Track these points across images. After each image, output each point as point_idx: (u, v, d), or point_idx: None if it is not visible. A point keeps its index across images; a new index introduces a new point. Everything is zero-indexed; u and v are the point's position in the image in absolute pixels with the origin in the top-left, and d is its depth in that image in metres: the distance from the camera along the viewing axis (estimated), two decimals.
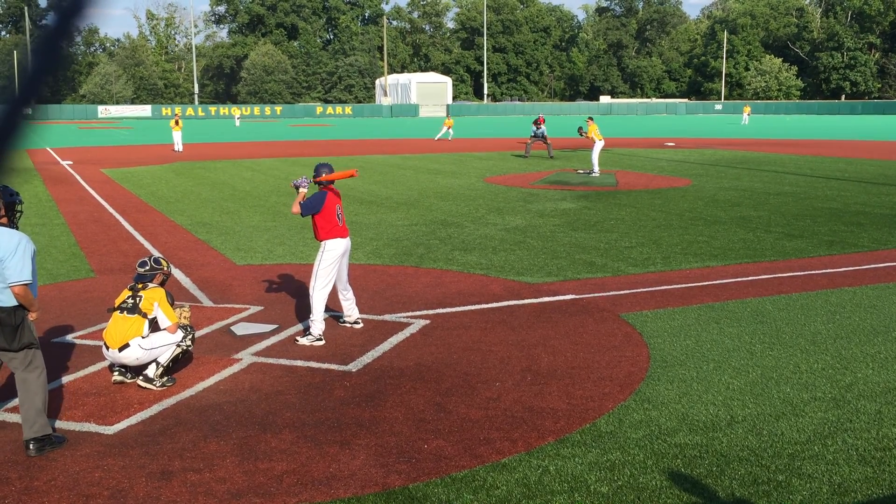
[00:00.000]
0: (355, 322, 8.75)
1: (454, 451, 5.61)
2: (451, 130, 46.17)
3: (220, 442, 5.79)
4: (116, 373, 7.02)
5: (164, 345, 6.92)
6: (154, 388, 6.83)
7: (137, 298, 6.95)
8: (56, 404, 6.45)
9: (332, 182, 8.53)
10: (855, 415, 6.20)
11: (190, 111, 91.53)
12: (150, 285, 7.09)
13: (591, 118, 27.41)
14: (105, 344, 6.95)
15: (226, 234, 14.93)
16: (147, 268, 7.18)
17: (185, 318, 7.39)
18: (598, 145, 25.70)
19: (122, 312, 6.92)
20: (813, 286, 10.45)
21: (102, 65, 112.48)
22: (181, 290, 10.51)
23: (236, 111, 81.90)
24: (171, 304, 7.09)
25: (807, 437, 5.80)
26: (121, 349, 6.81)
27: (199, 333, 8.40)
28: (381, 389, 6.83)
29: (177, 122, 37.46)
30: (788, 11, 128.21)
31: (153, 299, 6.94)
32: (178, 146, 36.84)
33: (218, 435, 5.91)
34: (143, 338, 6.85)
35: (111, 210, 18.36)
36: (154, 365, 6.87)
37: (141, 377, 6.88)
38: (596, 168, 25.50)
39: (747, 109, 72.64)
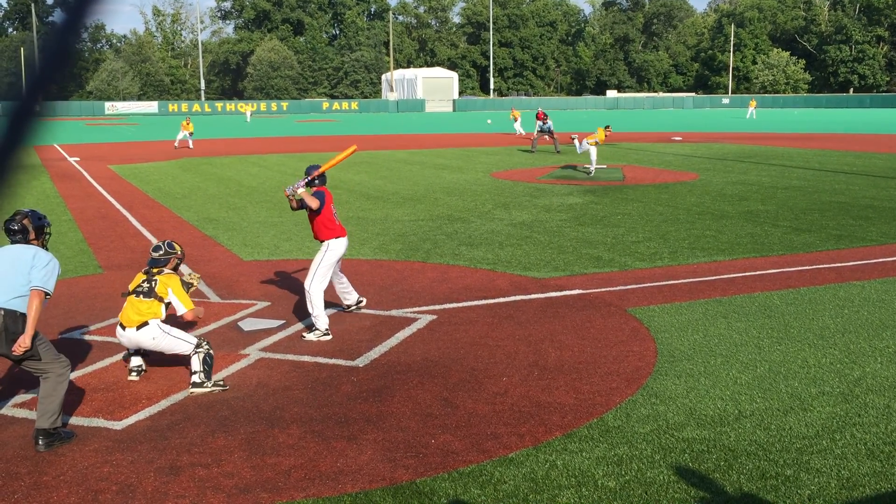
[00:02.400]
0: (358, 302, 8.83)
1: (461, 445, 5.61)
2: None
3: (227, 437, 5.81)
4: (134, 374, 7.06)
5: (180, 337, 6.90)
6: (208, 388, 6.73)
7: (153, 282, 6.95)
8: (65, 400, 6.48)
9: (325, 181, 8.55)
10: (863, 409, 6.19)
11: (196, 107, 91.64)
12: (165, 270, 7.09)
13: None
14: (121, 325, 6.92)
15: (232, 230, 14.96)
16: (161, 252, 7.20)
17: (195, 278, 7.52)
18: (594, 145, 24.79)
19: (138, 296, 6.91)
20: (821, 280, 10.41)
21: (109, 61, 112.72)
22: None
23: (246, 107, 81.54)
24: (187, 292, 7.08)
25: (815, 431, 5.79)
26: (139, 328, 6.80)
27: (206, 329, 8.43)
28: (388, 385, 6.84)
29: (188, 123, 37.36)
30: (796, 4, 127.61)
31: (168, 284, 6.95)
32: (189, 143, 36.83)
33: (226, 430, 5.93)
34: (161, 320, 6.87)
35: (118, 206, 18.41)
36: (197, 375, 6.75)
37: (191, 385, 6.76)
38: (594, 166, 24.41)
39: (753, 104, 71.91)
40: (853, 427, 5.85)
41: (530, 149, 33.31)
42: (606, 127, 25.85)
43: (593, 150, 24.33)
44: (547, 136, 33.59)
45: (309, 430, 5.92)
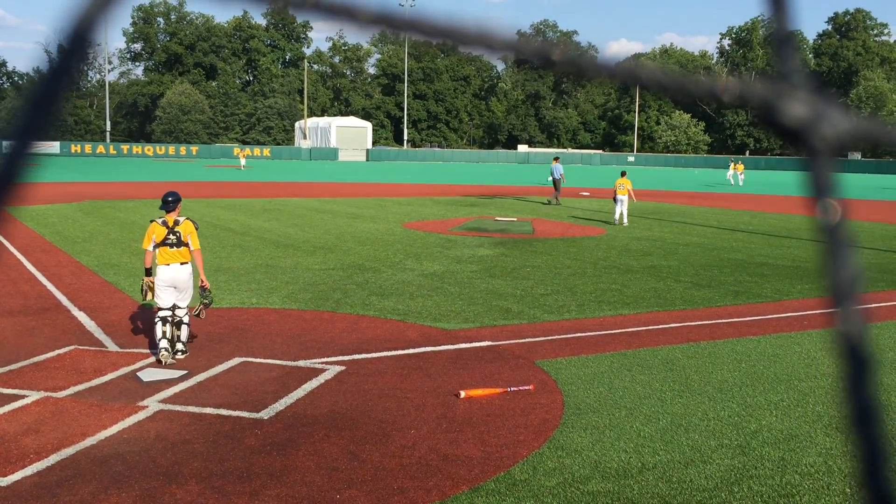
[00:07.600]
0: None
1: (367, 501, 5.50)
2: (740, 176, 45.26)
3: (121, 494, 5.54)
4: (164, 349, 8.66)
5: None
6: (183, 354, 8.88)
7: (177, 234, 8.94)
8: None
9: None
10: (759, 462, 6.37)
11: (101, 149, 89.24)
12: (180, 220, 9.02)
13: (624, 173, 27.29)
14: (167, 266, 8.85)
15: (134, 276, 14.46)
16: (171, 199, 9.08)
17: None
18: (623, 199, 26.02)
19: (171, 248, 8.90)
20: (720, 335, 10.77)
21: (9, 99, 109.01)
22: (85, 335, 10.12)
23: (242, 153, 72.14)
24: (197, 230, 9.13)
25: (714, 483, 5.92)
26: (182, 264, 8.90)
27: (103, 379, 8.08)
28: (293, 438, 6.68)
29: None
30: (697, 70, 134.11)
31: (187, 231, 9.00)
32: None
33: (119, 486, 5.66)
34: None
35: (13, 249, 17.63)
36: (185, 345, 8.92)
37: (179, 352, 8.88)
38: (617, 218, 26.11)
39: (741, 167, 58.60)
40: (750, 479, 6.01)
41: (552, 200, 33.89)
42: (622, 174, 26.93)
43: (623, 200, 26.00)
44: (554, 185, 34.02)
45: (208, 485, 5.71)
